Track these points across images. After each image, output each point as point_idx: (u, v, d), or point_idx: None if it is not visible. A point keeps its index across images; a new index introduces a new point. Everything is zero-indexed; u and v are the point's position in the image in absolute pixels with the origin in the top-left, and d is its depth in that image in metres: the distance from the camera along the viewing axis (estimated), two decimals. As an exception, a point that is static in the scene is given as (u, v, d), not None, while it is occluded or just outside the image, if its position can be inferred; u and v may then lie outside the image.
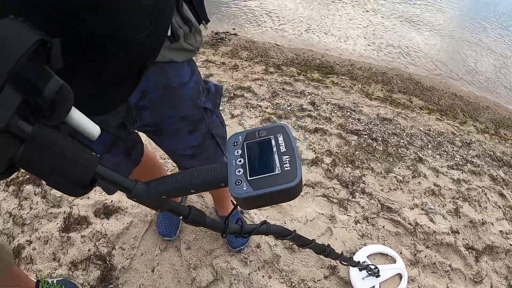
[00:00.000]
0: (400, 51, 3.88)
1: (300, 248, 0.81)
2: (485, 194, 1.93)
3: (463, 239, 1.66)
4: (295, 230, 0.74)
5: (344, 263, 1.03)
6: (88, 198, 1.66)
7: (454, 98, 2.93)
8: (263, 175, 0.47)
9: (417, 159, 2.01)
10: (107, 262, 1.40)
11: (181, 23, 0.68)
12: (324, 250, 0.86)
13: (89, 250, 1.45)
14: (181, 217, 0.56)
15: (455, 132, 2.37)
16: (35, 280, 1.24)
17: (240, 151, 0.51)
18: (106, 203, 1.60)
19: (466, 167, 2.05)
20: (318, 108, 2.40)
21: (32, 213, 1.63)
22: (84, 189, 0.42)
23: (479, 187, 1.96)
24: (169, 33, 0.65)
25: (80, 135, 0.43)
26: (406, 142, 2.12)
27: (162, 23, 0.56)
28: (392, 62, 3.60)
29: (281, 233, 0.70)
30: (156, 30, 0.54)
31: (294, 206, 1.65)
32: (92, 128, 0.43)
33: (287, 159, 0.48)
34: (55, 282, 1.29)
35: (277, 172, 0.47)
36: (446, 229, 1.66)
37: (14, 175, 1.85)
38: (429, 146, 2.14)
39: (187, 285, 1.32)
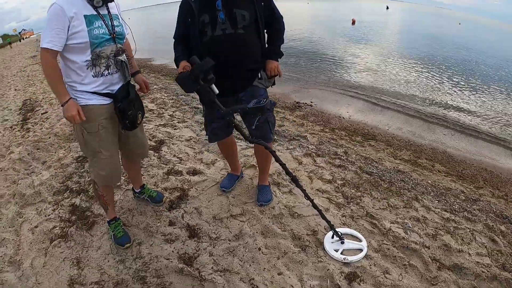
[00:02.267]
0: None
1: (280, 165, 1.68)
2: (473, 234, 2.11)
3: (431, 253, 2.00)
4: (274, 151, 1.68)
5: (307, 198, 1.82)
6: (186, 165, 2.82)
7: (481, 171, 3.15)
8: (257, 103, 1.55)
9: (414, 198, 2.56)
10: (185, 191, 2.45)
11: (264, 75, 1.87)
12: (291, 174, 1.73)
13: (177, 185, 2.54)
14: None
15: (465, 191, 2.76)
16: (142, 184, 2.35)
17: (254, 102, 1.60)
18: (195, 167, 2.72)
19: (461, 214, 2.39)
20: (348, 156, 3.21)
21: (147, 163, 2.85)
22: (212, 103, 1.59)
23: (468, 228, 2.16)
24: (259, 76, 1.86)
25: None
26: (409, 187, 2.70)
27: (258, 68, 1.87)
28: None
29: (266, 147, 1.65)
30: (256, 68, 1.86)
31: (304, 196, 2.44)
32: (216, 90, 1.62)
33: (265, 101, 1.57)
34: (153, 189, 2.37)
35: (261, 102, 1.53)
36: (417, 241, 2.11)
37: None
38: (431, 194, 2.65)
39: (225, 212, 2.24)
